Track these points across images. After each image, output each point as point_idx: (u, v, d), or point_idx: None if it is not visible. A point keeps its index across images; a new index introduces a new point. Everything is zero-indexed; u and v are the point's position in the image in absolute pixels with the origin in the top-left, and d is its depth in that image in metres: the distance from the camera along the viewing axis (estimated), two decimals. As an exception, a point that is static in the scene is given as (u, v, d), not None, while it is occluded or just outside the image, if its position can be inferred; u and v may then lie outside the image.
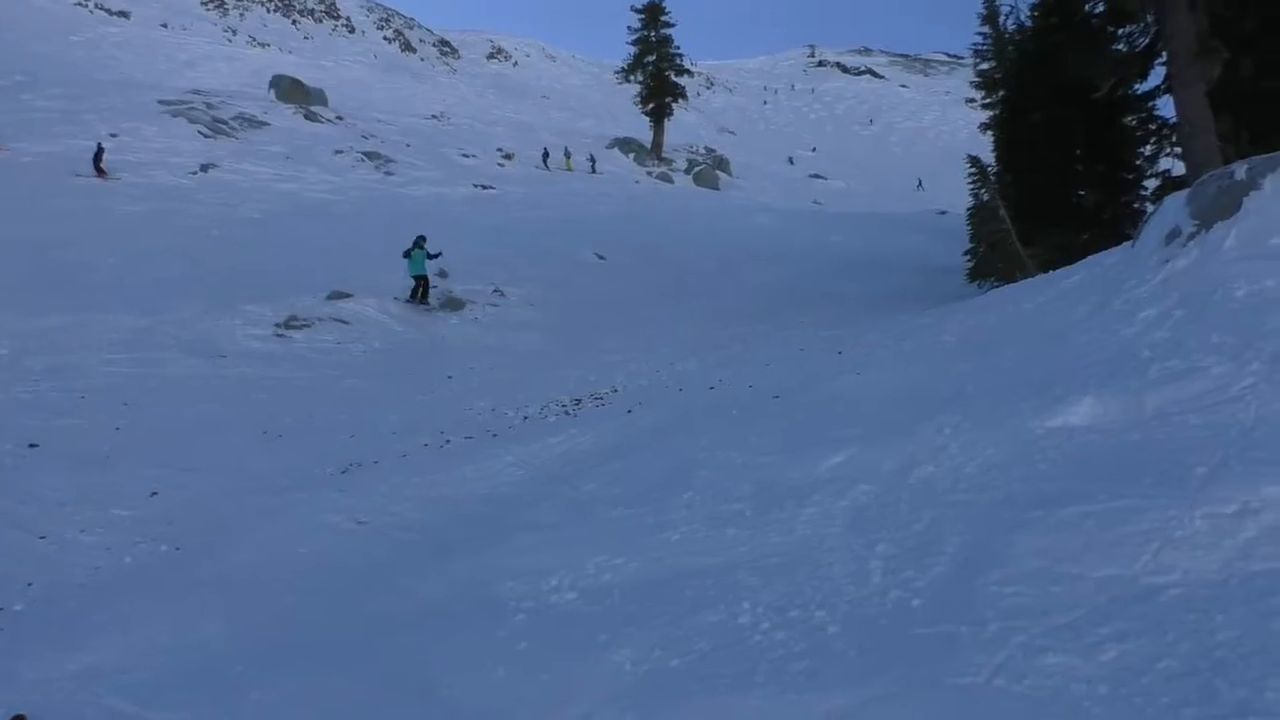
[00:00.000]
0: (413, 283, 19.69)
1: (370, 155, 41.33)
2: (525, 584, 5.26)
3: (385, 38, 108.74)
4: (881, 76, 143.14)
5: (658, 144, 62.08)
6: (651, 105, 60.27)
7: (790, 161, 79.26)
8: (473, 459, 9.48)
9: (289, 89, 52.27)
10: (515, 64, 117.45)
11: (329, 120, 47.76)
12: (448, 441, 11.02)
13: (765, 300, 21.80)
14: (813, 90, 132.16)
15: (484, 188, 39.02)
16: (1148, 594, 3.36)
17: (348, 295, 18.36)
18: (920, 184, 70.13)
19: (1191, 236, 7.80)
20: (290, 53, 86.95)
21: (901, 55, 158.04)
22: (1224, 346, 5.42)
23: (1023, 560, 3.86)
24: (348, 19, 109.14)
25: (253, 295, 17.41)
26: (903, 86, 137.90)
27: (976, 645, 3.32)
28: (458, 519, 7.62)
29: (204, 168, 32.66)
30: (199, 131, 38.10)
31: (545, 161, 51.35)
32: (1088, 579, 3.57)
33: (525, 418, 12.02)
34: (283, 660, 5.08)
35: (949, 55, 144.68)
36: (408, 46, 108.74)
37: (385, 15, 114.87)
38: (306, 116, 46.79)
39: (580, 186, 44.28)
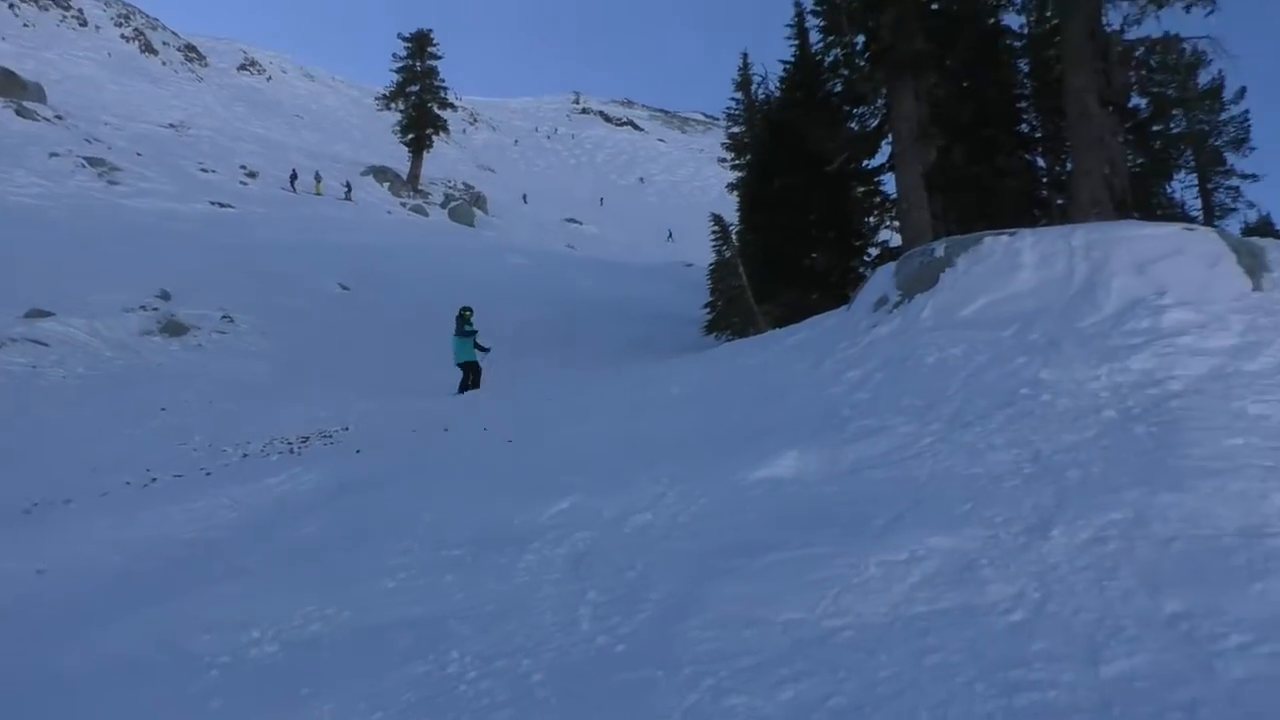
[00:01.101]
0: (459, 372, 16.63)
1: (93, 161, 37.74)
2: (223, 636, 4.96)
3: (124, 36, 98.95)
4: (641, 129, 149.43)
5: (415, 175, 61.14)
6: (411, 136, 59.34)
7: (524, 199, 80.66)
8: (181, 499, 8.80)
9: (-3, 79, 46.28)
10: (269, 78, 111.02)
11: (46, 119, 43.02)
12: (154, 479, 10.19)
13: (512, 342, 21.96)
14: (572, 136, 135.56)
15: (222, 206, 36.60)
16: (825, 636, 3.74)
17: (48, 314, 16.54)
18: (670, 235, 73.58)
19: (896, 305, 8.83)
20: (3, 39, 77.18)
21: (662, 110, 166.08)
22: (912, 408, 6.17)
23: (722, 606, 4.17)
24: (80, 11, 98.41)
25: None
26: (661, 141, 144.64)
27: (671, 689, 3.54)
28: (157, 564, 7.03)
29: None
30: None
31: (293, 184, 49.09)
32: (775, 623, 3.91)
33: (245, 455, 11.37)
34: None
35: (706, 115, 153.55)
36: (148, 47, 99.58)
37: (125, 12, 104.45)
38: (18, 112, 41.90)
39: (330, 213, 42.66)
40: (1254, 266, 7.77)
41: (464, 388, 16.11)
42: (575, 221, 74.37)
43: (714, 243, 22.58)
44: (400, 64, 57.95)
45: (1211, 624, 3.38)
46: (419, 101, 58.01)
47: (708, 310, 23.39)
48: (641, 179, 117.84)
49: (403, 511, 7.09)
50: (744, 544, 4.82)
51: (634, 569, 4.94)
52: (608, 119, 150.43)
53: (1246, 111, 28.74)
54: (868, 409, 6.48)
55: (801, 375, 8.28)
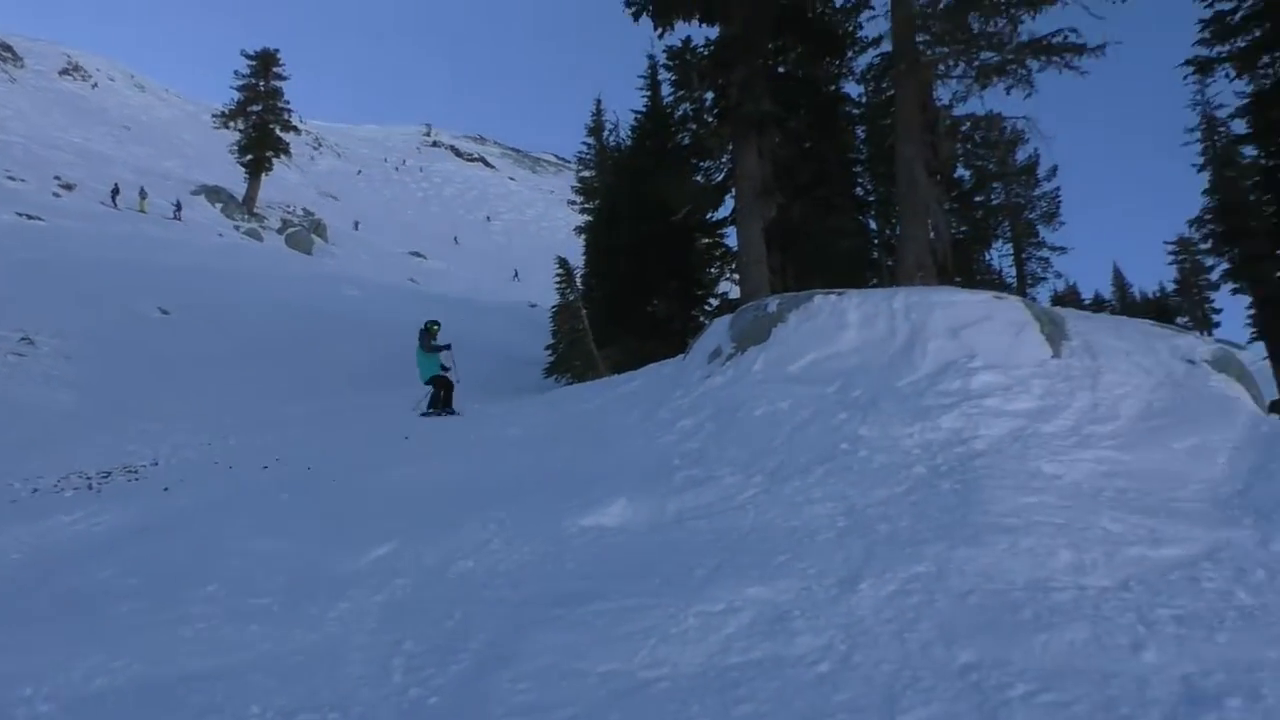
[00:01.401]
0: (427, 389, 15.53)
1: None
2: (-15, 695, 4.54)
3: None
4: (493, 166, 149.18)
5: (251, 198, 58.67)
6: (250, 156, 56.96)
7: (355, 226, 79.14)
8: (-50, 540, 8.01)
9: None
10: (94, 85, 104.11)
11: None
12: (-82, 519, 9.23)
13: (345, 375, 21.28)
14: (421, 169, 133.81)
15: (30, 218, 33.89)
16: (641, 687, 3.78)
17: None
18: (516, 275, 73.47)
19: (730, 357, 9.11)
20: None
21: (514, 149, 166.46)
22: (738, 459, 6.37)
23: (539, 657, 4.15)
24: None
25: None
26: (511, 179, 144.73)
27: (482, 743, 3.50)
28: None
29: None
30: None
31: (115, 199, 46.02)
32: (593, 674, 3.92)
33: (35, 490, 10.48)
34: None
35: (558, 157, 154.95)
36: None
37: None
38: None
39: (154, 232, 40.24)
40: (1054, 335, 8.46)
41: (434, 404, 15.11)
42: (419, 255, 73.21)
43: (558, 285, 22.72)
44: (243, 81, 55.84)
45: (999, 674, 3.61)
46: (260, 122, 55.95)
47: (549, 352, 23.44)
48: (488, 218, 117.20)
49: (210, 555, 6.72)
50: (566, 593, 4.83)
51: (453, 618, 4.86)
52: (459, 154, 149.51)
53: (1058, 188, 31.45)
54: (697, 459, 6.64)
55: (636, 423, 8.41)
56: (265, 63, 56.08)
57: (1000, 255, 31.24)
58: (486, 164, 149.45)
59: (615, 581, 4.82)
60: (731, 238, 21.67)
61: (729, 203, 20.81)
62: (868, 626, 4.05)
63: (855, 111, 23.58)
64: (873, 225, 23.64)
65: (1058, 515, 5.13)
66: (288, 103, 57.69)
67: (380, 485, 8.53)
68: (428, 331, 15.68)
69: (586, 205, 35.89)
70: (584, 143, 38.15)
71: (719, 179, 21.21)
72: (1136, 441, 6.60)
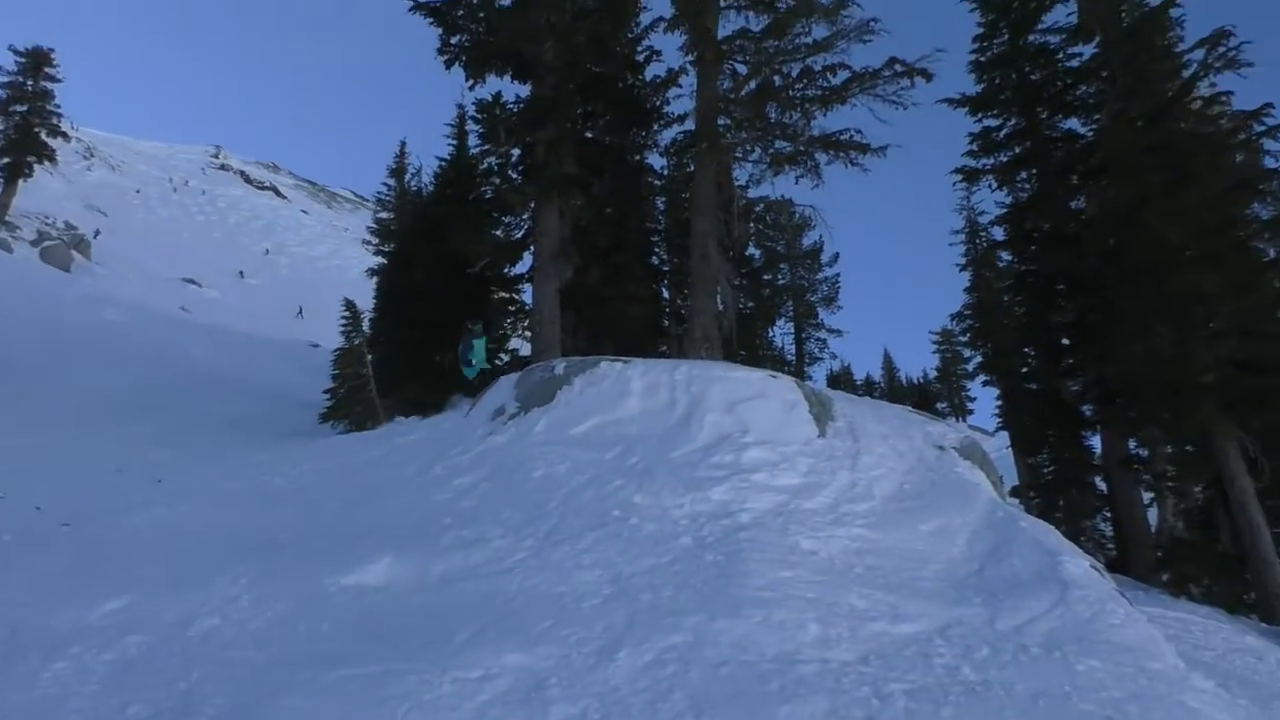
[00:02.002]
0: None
1: None
2: None
3: None
4: (285, 197, 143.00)
5: (4, 205, 53.26)
6: (7, 160, 51.85)
7: (95, 234, 73.87)
8: None
9: None
10: None
11: None
12: None
13: (97, 406, 19.50)
14: (204, 192, 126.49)
15: None
16: (388, 757, 3.68)
17: None
18: (301, 312, 70.39)
19: (513, 416, 9.12)
20: None
21: (309, 181, 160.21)
22: (511, 521, 6.36)
23: (280, 725, 3.95)
24: None
25: None
26: (304, 212, 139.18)
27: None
28: None
29: None
30: None
31: None
32: (336, 744, 3.78)
33: None
34: None
35: (356, 195, 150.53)
36: None
37: None
38: None
39: None
40: (821, 415, 9.02)
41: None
42: (194, 282, 68.81)
43: (344, 327, 21.93)
44: (8, 79, 51.07)
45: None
46: (24, 124, 51.22)
47: (328, 396, 22.47)
48: (268, 250, 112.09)
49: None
50: (316, 655, 4.63)
51: (188, 679, 4.55)
52: (249, 180, 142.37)
53: (838, 274, 33.66)
54: (469, 518, 6.58)
55: (410, 478, 8.24)
56: (37, 61, 51.54)
57: (782, 333, 33.02)
58: (278, 193, 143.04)
59: (371, 644, 4.68)
60: (528, 294, 21.75)
61: (528, 259, 20.92)
62: (622, 696, 4.13)
63: (657, 183, 24.40)
64: (665, 294, 24.37)
65: (810, 590, 5.43)
66: (58, 106, 53.20)
67: (123, 531, 7.90)
68: (472, 334, 15.45)
69: (382, 247, 35.02)
70: (385, 183, 37.37)
71: (519, 235, 21.30)
72: (887, 521, 7.12)
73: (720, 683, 4.27)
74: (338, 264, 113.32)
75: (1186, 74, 18.34)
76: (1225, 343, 15.87)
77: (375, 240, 36.93)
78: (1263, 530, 14.78)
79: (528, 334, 20.74)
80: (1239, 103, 19.38)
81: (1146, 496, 19.84)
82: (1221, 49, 17.79)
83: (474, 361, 15.29)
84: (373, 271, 32.72)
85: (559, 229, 18.78)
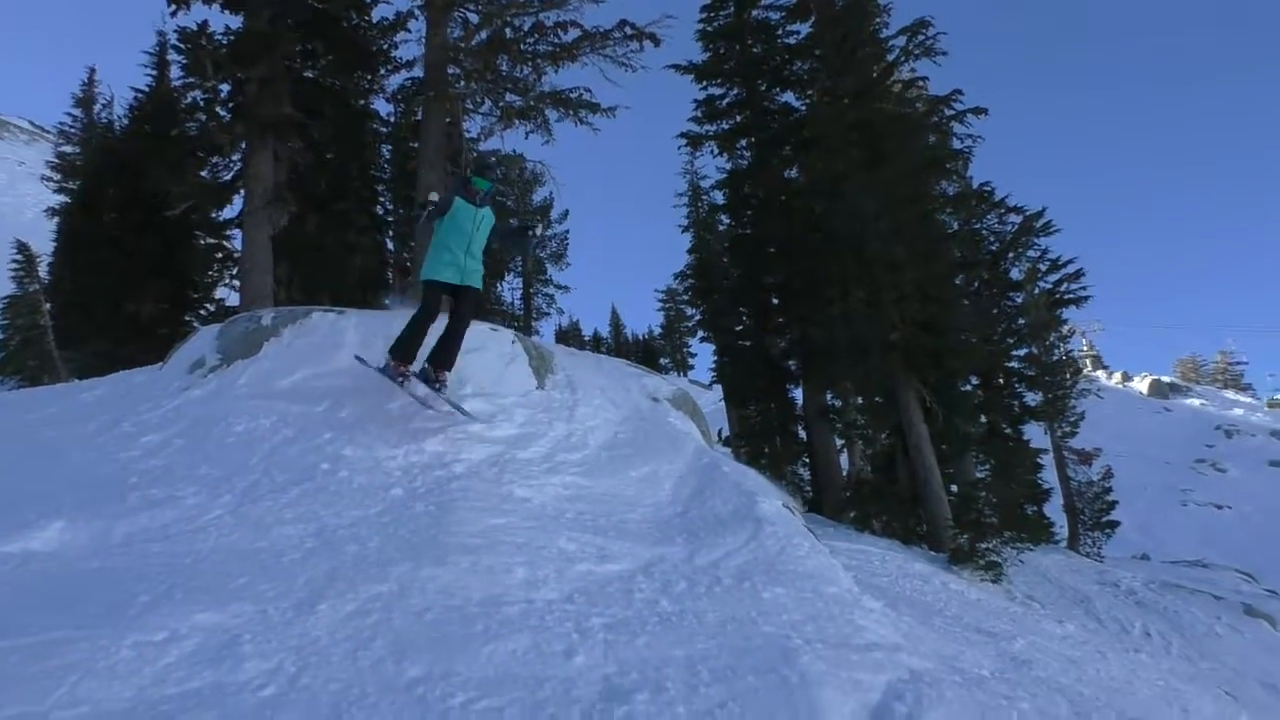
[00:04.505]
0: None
1: None
2: None
3: None
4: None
5: None
6: None
7: None
8: None
9: None
10: None
11: None
12: None
13: None
14: None
15: None
16: (50, 730, 3.42)
17: None
18: (-36, 254, 62.22)
19: (214, 369, 8.60)
20: None
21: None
22: (208, 478, 6.03)
23: (-81, 705, 3.56)
24: None
25: None
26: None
27: None
28: None
29: None
30: None
31: None
32: (-13, 724, 3.47)
33: None
34: None
35: (34, 124, 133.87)
36: None
37: None
38: None
39: None
40: (541, 368, 9.21)
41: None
42: None
43: (15, 272, 19.58)
44: None
45: (444, 685, 3.84)
46: None
47: (-1, 351, 20.10)
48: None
49: None
50: (-33, 630, 4.20)
51: None
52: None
53: (568, 231, 34.35)
54: (159, 477, 6.16)
55: (92, 435, 7.55)
56: None
57: (511, 289, 33.16)
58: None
59: (36, 614, 4.29)
60: (238, 241, 20.40)
61: (238, 204, 19.59)
62: (322, 647, 4.07)
63: (383, 130, 23.56)
64: (390, 246, 23.71)
65: (521, 536, 5.58)
66: None
67: None
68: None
69: (66, 185, 31.56)
70: (69, 114, 33.76)
71: (228, 178, 19.90)
72: (600, 469, 7.42)
73: (425, 627, 4.31)
74: (9, 201, 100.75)
75: (889, 58, 20.10)
76: (910, 306, 17.71)
77: (57, 177, 33.20)
78: (934, 470, 16.81)
79: (235, 283, 19.50)
80: (934, 88, 21.57)
81: (840, 443, 21.97)
82: (921, 37, 19.69)
83: (453, 247, 7.79)
84: (54, 211, 29.44)
85: (273, 173, 17.75)
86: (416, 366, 7.72)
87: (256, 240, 17.16)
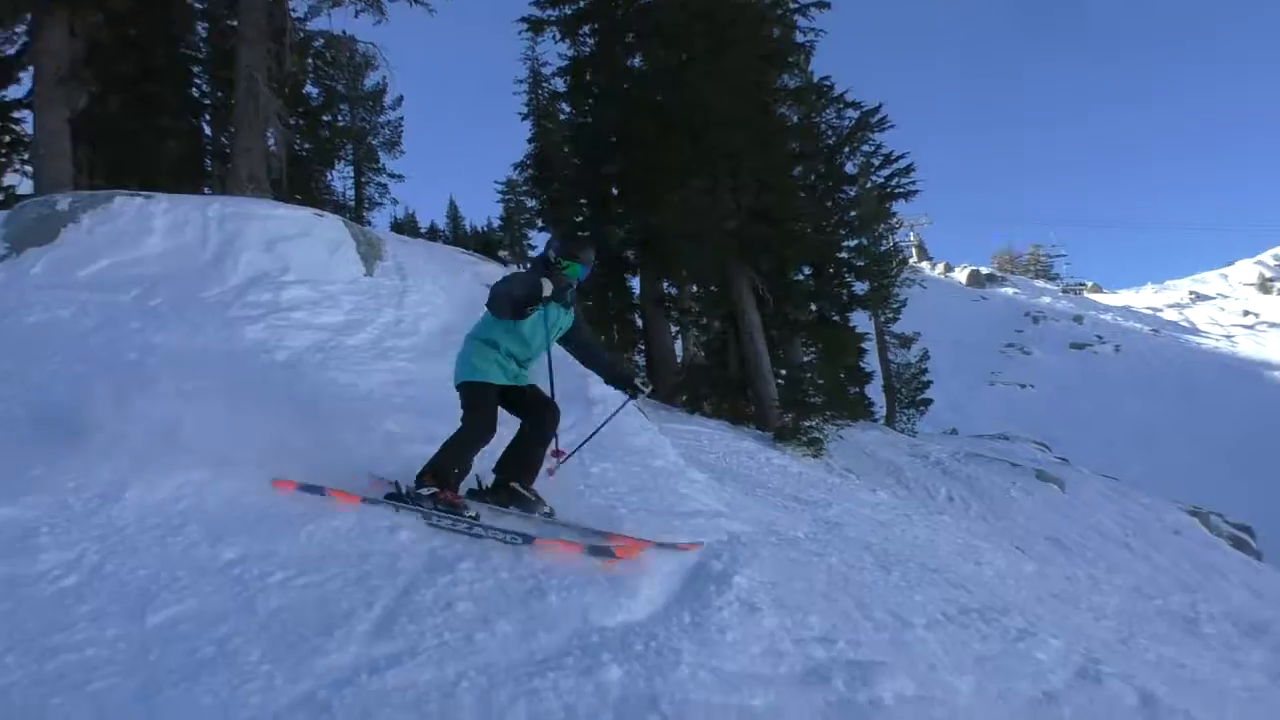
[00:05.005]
0: None
1: None
2: None
3: None
4: None
5: None
6: None
7: None
8: None
9: None
10: None
11: None
12: None
13: None
14: None
15: None
16: None
17: None
18: None
19: (3, 259, 7.92)
20: None
21: None
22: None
23: None
24: None
25: None
26: None
27: None
28: None
29: None
30: None
31: None
32: None
33: None
34: None
35: None
36: None
37: None
38: None
39: None
40: (370, 254, 8.92)
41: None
42: None
43: None
44: None
45: (262, 565, 3.78)
46: None
47: None
48: None
49: None
50: None
51: None
52: None
53: (401, 118, 32.68)
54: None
55: None
56: None
57: (342, 177, 31.58)
58: None
59: None
60: (28, 124, 18.58)
61: (27, 82, 17.77)
62: (129, 535, 3.92)
63: (198, 5, 21.72)
64: (207, 131, 22.14)
65: (343, 419, 5.47)
66: None
67: None
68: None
69: None
70: None
71: (12, 53, 18.00)
72: (431, 355, 7.29)
73: (240, 511, 4.20)
74: None
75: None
76: (746, 195, 17.96)
77: None
78: (763, 355, 17.44)
79: (28, 169, 17.88)
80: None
81: (675, 330, 22.48)
82: (767, -75, 19.50)
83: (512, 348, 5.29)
84: None
85: (68, 48, 16.11)
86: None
87: (51, 122, 15.68)
